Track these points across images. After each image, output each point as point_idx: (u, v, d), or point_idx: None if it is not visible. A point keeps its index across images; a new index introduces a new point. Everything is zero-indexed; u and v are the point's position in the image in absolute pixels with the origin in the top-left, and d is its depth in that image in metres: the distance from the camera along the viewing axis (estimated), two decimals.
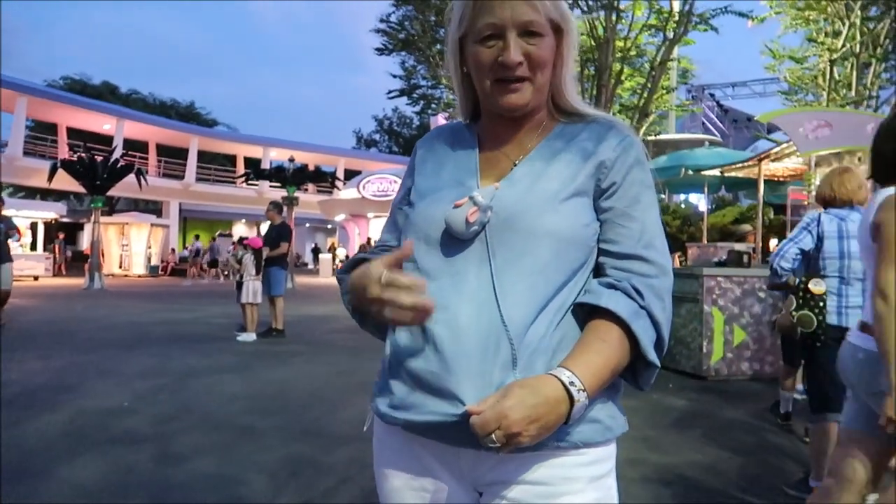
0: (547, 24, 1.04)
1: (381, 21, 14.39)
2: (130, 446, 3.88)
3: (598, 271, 1.10)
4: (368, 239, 26.32)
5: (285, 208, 11.63)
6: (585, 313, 1.05)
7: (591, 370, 0.97)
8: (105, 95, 37.92)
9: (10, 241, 9.21)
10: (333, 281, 25.80)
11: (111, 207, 33.32)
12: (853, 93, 12.52)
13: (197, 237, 28.93)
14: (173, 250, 31.02)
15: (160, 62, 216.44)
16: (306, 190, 33.37)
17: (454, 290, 1.03)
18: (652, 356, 1.02)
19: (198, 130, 36.99)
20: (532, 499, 1.02)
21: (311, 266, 37.19)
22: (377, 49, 14.73)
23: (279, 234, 8.85)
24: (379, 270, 0.96)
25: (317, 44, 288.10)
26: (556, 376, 0.94)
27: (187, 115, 44.06)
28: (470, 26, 1.06)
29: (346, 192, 30.16)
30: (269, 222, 9.27)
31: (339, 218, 31.90)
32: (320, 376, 6.30)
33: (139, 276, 25.90)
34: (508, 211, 1.04)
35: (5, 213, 9.48)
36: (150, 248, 27.49)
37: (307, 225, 41.27)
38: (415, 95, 16.02)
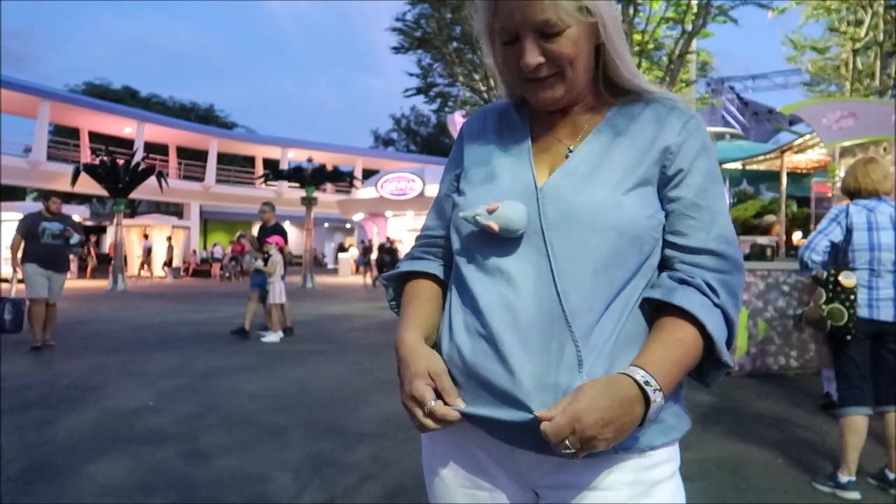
0: (568, 17, 0.95)
1: (397, 20, 14.41)
2: (156, 445, 3.93)
3: (664, 265, 1.04)
4: (388, 238, 26.34)
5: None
6: (653, 308, 1.00)
7: (665, 369, 0.92)
8: (125, 100, 38.36)
9: (71, 242, 7.83)
10: (352, 280, 25.95)
11: (133, 210, 33.75)
12: (877, 82, 12.30)
13: (216, 243, 29.24)
14: (194, 251, 31.32)
15: (179, 67, 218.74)
16: (325, 190, 33.52)
17: (512, 288, 0.97)
18: (726, 356, 0.97)
19: (217, 132, 37.28)
20: None
21: (330, 265, 37.35)
22: (393, 48, 14.75)
23: (272, 234, 8.72)
24: (431, 394, 0.96)
25: (333, 45, 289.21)
26: (629, 376, 0.89)
27: (206, 117, 44.46)
28: (490, 26, 1.02)
29: (364, 192, 30.24)
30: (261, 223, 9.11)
31: (358, 217, 32.00)
32: (341, 375, 6.33)
33: (161, 278, 26.20)
34: (567, 204, 0.98)
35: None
36: (171, 249, 27.79)
37: (326, 225, 41.49)
38: (431, 93, 16.03)
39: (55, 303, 7.70)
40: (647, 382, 0.89)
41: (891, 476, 3.27)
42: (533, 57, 0.97)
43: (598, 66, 1.04)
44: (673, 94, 1.08)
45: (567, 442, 0.85)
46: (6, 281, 8.25)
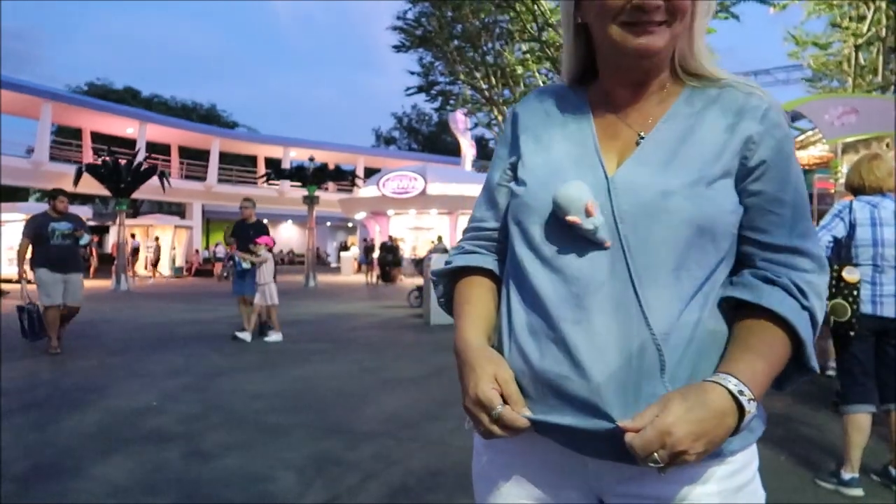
0: None
1: (398, 18, 14.41)
2: (160, 445, 3.94)
3: (741, 262, 0.98)
4: (390, 236, 26.35)
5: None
6: (731, 307, 0.94)
7: (758, 376, 0.85)
8: (127, 100, 38.43)
9: (81, 242, 7.48)
10: (355, 278, 25.96)
11: (135, 210, 33.80)
12: (879, 78, 12.28)
13: (218, 244, 29.26)
14: (197, 251, 31.37)
15: (181, 67, 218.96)
16: (326, 189, 33.52)
17: (583, 286, 0.90)
18: (813, 363, 0.91)
19: (219, 132, 37.33)
20: None
21: (333, 264, 37.38)
22: (395, 46, 14.76)
23: (257, 233, 8.40)
24: (498, 399, 0.90)
25: (334, 44, 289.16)
26: (721, 384, 0.83)
27: (208, 117, 44.50)
28: None
29: (366, 190, 30.26)
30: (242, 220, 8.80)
31: (360, 216, 32.03)
32: (344, 373, 6.34)
33: (164, 278, 26.23)
34: (643, 196, 0.90)
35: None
36: (174, 249, 27.84)
37: (328, 223, 41.51)
38: (433, 92, 16.04)
39: (78, 305, 7.41)
40: (741, 392, 0.82)
41: (894, 473, 3.27)
42: None
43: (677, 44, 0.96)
44: (749, 80, 0.99)
45: (655, 455, 0.78)
46: (7, 281, 8.14)
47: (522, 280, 0.98)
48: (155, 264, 25.72)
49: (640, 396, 0.86)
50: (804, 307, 0.91)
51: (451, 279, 1.13)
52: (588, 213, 0.90)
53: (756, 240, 0.95)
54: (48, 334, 7.10)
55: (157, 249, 25.95)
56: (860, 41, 12.28)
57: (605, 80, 1.01)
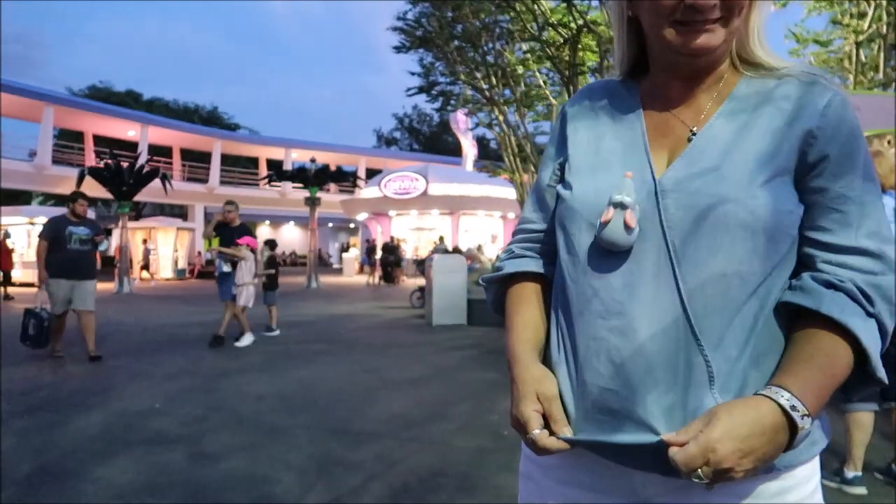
0: None
1: (399, 19, 14.40)
2: (163, 447, 3.94)
3: (802, 264, 0.91)
4: (392, 237, 26.37)
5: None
6: (791, 313, 0.87)
7: (813, 391, 0.79)
8: (129, 103, 38.49)
9: (100, 248, 7.24)
10: (357, 279, 25.97)
11: (138, 212, 33.85)
12: (881, 75, 12.23)
13: None
14: (199, 253, 31.41)
15: (182, 69, 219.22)
16: (328, 190, 33.57)
17: (628, 292, 0.87)
18: (881, 373, 0.83)
19: (220, 134, 37.37)
20: None
21: (335, 265, 37.40)
22: (395, 47, 14.74)
23: (240, 234, 8.21)
24: (537, 421, 0.88)
25: (335, 45, 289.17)
26: (772, 399, 0.77)
27: (210, 119, 44.61)
28: None
29: (367, 191, 30.30)
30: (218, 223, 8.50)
31: (362, 217, 32.05)
32: (346, 374, 6.34)
33: (167, 280, 26.26)
34: (692, 199, 0.85)
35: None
36: (176, 251, 27.86)
37: (330, 225, 41.53)
38: (434, 92, 16.01)
39: (91, 311, 7.05)
40: (793, 407, 0.77)
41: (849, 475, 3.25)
42: None
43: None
44: (815, 69, 0.93)
45: (699, 472, 0.74)
46: (17, 285, 7.95)
47: (566, 288, 0.96)
48: (146, 267, 25.45)
49: (687, 409, 0.82)
50: (870, 314, 0.84)
51: (501, 284, 1.11)
52: (627, 226, 0.86)
53: (818, 240, 0.89)
54: (52, 340, 6.93)
55: (147, 252, 25.73)
56: (861, 38, 12.23)
57: (657, 74, 0.97)
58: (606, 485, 0.93)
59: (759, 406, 0.77)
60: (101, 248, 7.27)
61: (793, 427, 0.77)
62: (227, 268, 8.15)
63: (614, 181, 0.91)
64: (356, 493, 3.22)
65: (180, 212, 36.70)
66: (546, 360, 0.98)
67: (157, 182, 19.67)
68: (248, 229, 8.48)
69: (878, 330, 0.85)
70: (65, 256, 6.85)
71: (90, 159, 28.24)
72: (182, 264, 28.43)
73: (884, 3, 11.73)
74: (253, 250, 8.23)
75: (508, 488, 3.24)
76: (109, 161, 19.13)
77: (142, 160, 21.17)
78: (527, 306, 1.04)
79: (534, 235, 1.09)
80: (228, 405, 5.03)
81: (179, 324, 10.52)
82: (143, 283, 23.06)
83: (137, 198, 21.05)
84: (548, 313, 1.03)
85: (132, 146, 30.40)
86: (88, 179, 18.22)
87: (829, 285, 0.85)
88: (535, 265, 1.07)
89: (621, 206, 0.86)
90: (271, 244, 10.08)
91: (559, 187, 1.01)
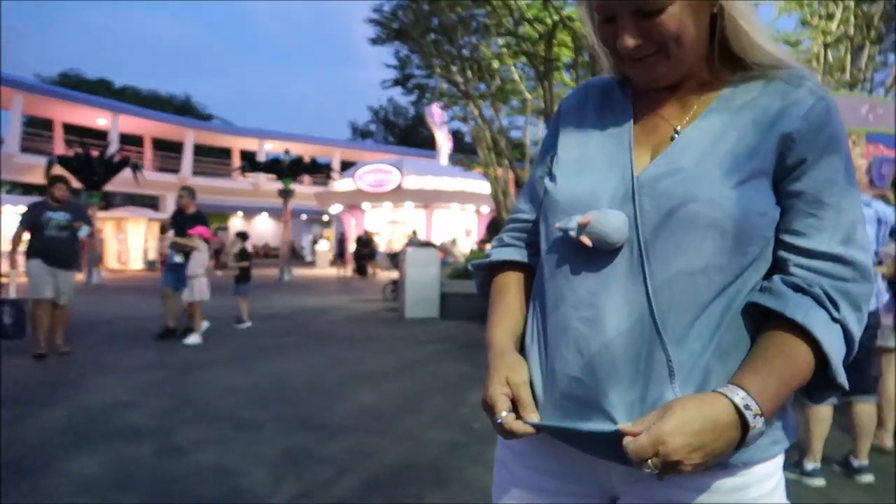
0: None
1: (375, 11, 14.30)
2: (131, 440, 3.91)
3: (776, 266, 0.92)
4: (365, 231, 26.27)
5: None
6: (761, 314, 0.88)
7: (769, 391, 0.80)
8: (100, 91, 37.76)
9: (80, 235, 6.83)
10: (330, 272, 25.84)
11: (108, 202, 33.27)
12: (847, 75, 12.50)
13: None
14: None
15: (155, 58, 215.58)
16: (302, 182, 33.26)
17: (601, 286, 0.89)
18: (841, 378, 0.85)
19: (193, 124, 36.88)
20: None
21: (308, 258, 37.17)
22: (371, 39, 14.65)
23: (194, 224, 7.85)
24: (504, 404, 0.90)
25: (310, 36, 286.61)
26: (727, 396, 0.79)
27: (183, 109, 43.98)
28: (588, 2, 0.93)
29: (341, 184, 30.10)
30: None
31: (335, 209, 31.86)
32: (318, 367, 6.33)
33: (137, 271, 25.87)
34: (666, 197, 0.87)
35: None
36: (147, 242, 27.45)
37: (303, 217, 41.21)
38: (409, 85, 15.94)
39: (65, 304, 6.74)
40: (746, 406, 0.78)
41: (855, 463, 3.37)
42: (629, 39, 0.88)
43: (715, 36, 0.92)
44: (804, 70, 0.93)
45: (650, 462, 0.76)
46: None
47: (544, 278, 0.99)
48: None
49: (646, 402, 0.84)
50: (835, 319, 0.85)
51: (489, 272, 1.14)
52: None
53: (792, 244, 0.89)
54: (34, 332, 6.48)
55: (101, 242, 25.00)
56: (829, 39, 12.49)
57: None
58: (573, 472, 0.96)
59: (713, 403, 0.78)
60: (82, 234, 6.87)
61: (745, 425, 0.78)
62: (178, 258, 7.81)
63: (598, 177, 0.94)
64: (327, 487, 3.23)
65: (151, 202, 36.14)
66: (522, 347, 1.01)
67: (127, 172, 19.36)
68: (203, 218, 8.09)
69: (844, 336, 0.86)
70: (44, 243, 6.52)
71: (60, 147, 27.65)
72: (153, 255, 28.01)
73: (851, 5, 11.97)
74: (206, 241, 7.87)
75: (479, 481, 3.28)
76: (79, 150, 18.77)
77: (112, 149, 20.83)
78: (508, 295, 1.08)
79: (523, 225, 1.12)
80: (198, 398, 4.99)
81: (149, 316, 10.37)
82: (114, 275, 22.68)
83: (108, 187, 20.66)
84: (529, 302, 1.06)
85: (103, 135, 29.82)
86: (57, 168, 17.86)
87: (798, 289, 0.87)
88: (520, 255, 1.10)
89: (566, 231, 0.91)
90: (243, 236, 9.94)
91: (546, 180, 1.04)
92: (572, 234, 0.91)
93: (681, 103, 0.96)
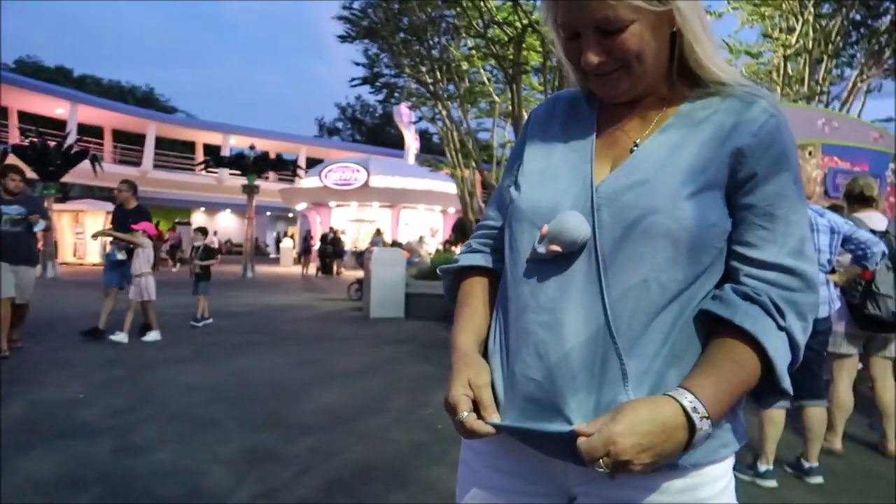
0: (630, 11, 0.87)
1: (345, 8, 14.21)
2: (86, 438, 3.82)
3: (728, 276, 0.96)
4: (331, 228, 26.09)
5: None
6: (711, 321, 0.92)
7: (717, 395, 0.84)
8: (59, 79, 36.81)
9: (35, 229, 6.48)
10: (294, 270, 25.60)
11: (65, 194, 32.42)
12: (805, 88, 12.85)
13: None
14: None
15: (117, 47, 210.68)
16: (267, 178, 32.87)
17: (560, 290, 0.93)
18: (786, 384, 0.89)
19: (156, 116, 36.20)
20: None
21: (272, 255, 36.76)
22: (340, 36, 14.55)
23: (136, 219, 7.48)
24: (465, 404, 0.92)
25: (278, 30, 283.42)
26: (676, 399, 0.82)
27: (145, 100, 43.13)
28: (554, 20, 0.96)
29: (307, 181, 29.85)
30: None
31: (301, 206, 31.58)
32: (281, 366, 6.27)
33: (94, 265, 25.26)
34: (621, 206, 0.91)
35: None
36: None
37: (268, 213, 40.76)
38: (378, 84, 15.89)
39: (26, 303, 6.49)
40: (694, 409, 0.81)
41: (806, 465, 3.47)
42: (592, 56, 0.91)
43: (675, 54, 0.95)
44: (758, 89, 0.97)
45: (601, 462, 0.79)
46: None
47: (507, 284, 1.02)
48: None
49: (601, 405, 0.87)
50: (780, 327, 0.89)
51: (456, 276, 1.17)
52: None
53: (743, 254, 0.93)
54: None
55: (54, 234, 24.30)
56: (789, 52, 12.83)
57: None
58: (532, 472, 0.99)
59: (662, 405, 0.82)
60: (37, 228, 6.53)
61: (693, 428, 0.81)
62: (121, 255, 7.46)
63: (560, 188, 0.98)
64: (289, 487, 3.21)
65: (110, 195, 35.34)
66: (486, 351, 1.04)
67: (86, 163, 18.89)
68: (145, 213, 7.73)
69: (789, 344, 0.90)
70: None
71: (14, 137, 26.81)
72: (110, 249, 27.39)
73: (811, 20, 12.32)
74: (151, 237, 7.57)
75: (442, 481, 3.29)
76: (35, 139, 18.25)
77: (70, 140, 20.27)
78: (474, 299, 1.11)
79: (491, 232, 1.15)
80: (157, 396, 4.90)
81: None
82: (70, 269, 22.11)
83: (65, 179, 20.14)
84: (493, 307, 1.09)
85: (61, 125, 29.04)
86: (12, 158, 17.33)
87: (747, 297, 0.90)
88: (487, 260, 1.14)
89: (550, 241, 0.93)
90: (203, 231, 9.66)
91: (511, 188, 1.07)
92: (541, 250, 0.94)
93: (641, 118, 1.00)
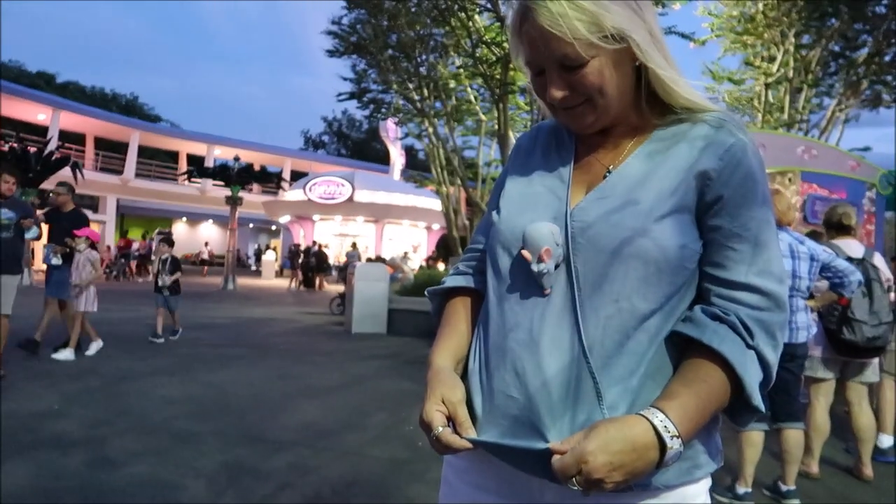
0: (589, 49, 0.91)
1: (333, 23, 14.30)
2: (61, 451, 3.76)
3: (700, 296, 0.98)
4: (314, 241, 25.99)
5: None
6: (683, 342, 0.94)
7: (687, 414, 0.85)
8: (41, 85, 36.49)
9: (27, 236, 6.03)
10: (276, 283, 25.45)
11: (43, 201, 32.02)
12: (785, 115, 13.11)
13: (134, 240, 28.15)
14: (109, 247, 30.00)
15: (101, 54, 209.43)
16: (251, 190, 32.83)
17: (537, 313, 0.95)
18: (756, 401, 0.90)
19: (139, 125, 35.92)
20: None
21: (253, 267, 36.50)
22: (328, 51, 14.61)
23: (74, 224, 7.00)
24: (440, 420, 0.93)
25: (264, 41, 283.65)
26: (647, 419, 0.84)
27: (129, 108, 42.87)
28: (523, 58, 1.00)
29: (291, 194, 29.78)
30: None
31: (284, 219, 31.46)
32: (261, 380, 6.22)
33: None
34: (594, 229, 0.94)
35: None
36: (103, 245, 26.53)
37: (251, 225, 40.52)
38: (365, 99, 15.94)
39: (7, 315, 5.77)
40: (665, 428, 0.83)
41: (783, 488, 3.50)
42: (556, 91, 0.96)
43: (642, 84, 0.99)
44: (726, 114, 1.00)
45: (574, 480, 0.81)
46: None
47: (488, 304, 1.05)
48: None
49: (575, 422, 0.89)
50: (749, 346, 0.91)
51: (443, 298, 1.20)
52: (540, 259, 0.94)
53: (712, 275, 0.96)
54: None
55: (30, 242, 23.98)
56: (770, 80, 13.09)
57: None
58: (509, 489, 1.00)
59: (634, 425, 0.83)
60: (29, 235, 5.98)
61: (663, 446, 0.83)
62: (56, 260, 6.92)
63: (538, 211, 1.01)
64: (267, 502, 3.17)
65: (91, 203, 34.94)
66: (467, 369, 1.06)
67: (66, 170, 18.70)
68: (83, 217, 7.23)
69: (760, 362, 0.92)
70: None
71: None
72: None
73: (791, 49, 12.59)
74: (94, 245, 7.08)
75: (422, 498, 3.27)
76: (15, 145, 18.05)
77: (52, 146, 20.06)
78: (456, 319, 1.13)
79: (478, 255, 1.18)
80: (134, 409, 4.84)
81: None
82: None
83: (45, 186, 19.90)
84: (475, 326, 1.11)
85: (42, 131, 28.75)
86: None
87: (716, 317, 0.93)
88: (470, 282, 1.16)
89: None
90: (169, 241, 8.84)
91: (493, 212, 1.10)
92: (534, 269, 0.96)
93: (614, 145, 1.03)
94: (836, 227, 4.13)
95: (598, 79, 0.93)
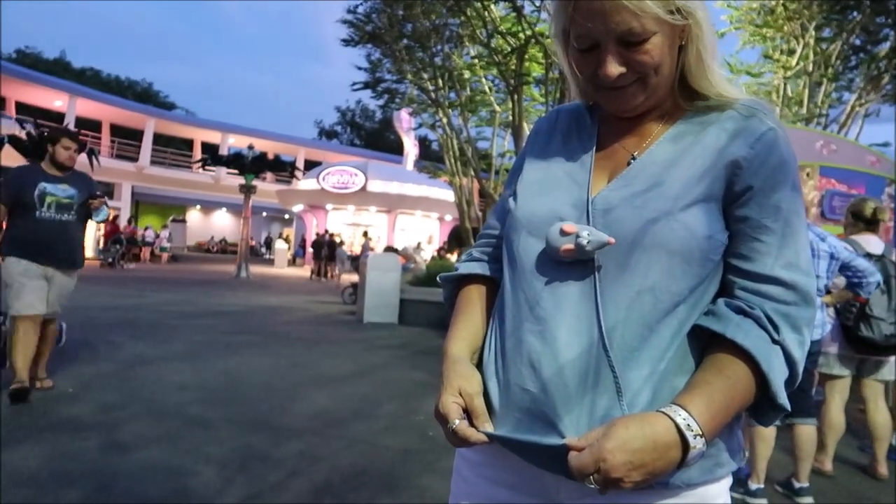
0: (655, 23, 0.87)
1: (349, 12, 14.25)
2: (75, 434, 3.79)
3: (724, 289, 0.95)
4: (326, 230, 26.06)
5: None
6: (706, 337, 0.90)
7: (711, 412, 0.81)
8: (58, 72, 36.75)
9: (96, 219, 4.95)
10: (289, 271, 25.56)
11: None
12: (804, 110, 12.94)
13: (148, 227, 28.38)
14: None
15: (117, 41, 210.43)
16: (264, 178, 32.90)
17: (554, 301, 0.91)
18: (782, 399, 0.86)
19: (154, 112, 36.11)
20: None
21: (266, 255, 36.69)
22: (343, 40, 14.58)
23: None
24: (456, 413, 0.91)
25: (281, 32, 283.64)
26: (669, 416, 0.80)
27: (144, 96, 43.13)
28: (566, 30, 0.94)
29: (305, 183, 29.84)
30: None
31: (297, 208, 31.54)
32: (273, 368, 6.25)
33: (88, 259, 25.15)
34: (616, 218, 0.90)
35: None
36: (99, 230, 26.72)
37: (264, 214, 40.73)
38: (379, 89, 15.91)
39: (55, 317, 4.82)
40: (688, 426, 0.79)
41: (796, 485, 3.47)
42: (614, 67, 0.90)
43: (678, 68, 0.95)
44: (757, 101, 0.96)
45: (591, 478, 0.78)
46: None
47: (504, 293, 1.01)
48: None
49: (594, 417, 0.86)
50: (775, 341, 0.87)
51: (456, 285, 1.17)
52: (578, 235, 0.90)
53: (738, 267, 0.92)
54: (11, 359, 4.46)
55: None
56: (789, 74, 12.92)
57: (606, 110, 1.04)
58: (523, 484, 0.97)
59: (655, 422, 0.79)
60: (99, 217, 4.93)
61: (686, 445, 0.79)
62: None
63: (558, 197, 0.98)
64: (277, 489, 3.19)
65: (106, 189, 35.26)
66: (481, 359, 1.03)
67: (83, 157, 18.77)
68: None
69: (785, 358, 0.88)
70: (31, 231, 4.45)
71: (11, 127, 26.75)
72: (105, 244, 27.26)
73: (811, 42, 12.41)
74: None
75: (432, 489, 3.27)
76: (32, 131, 18.16)
77: None
78: (470, 308, 1.10)
79: (493, 241, 1.15)
80: (147, 394, 4.87)
81: (99, 306, 10.09)
82: None
83: None
84: (491, 315, 1.08)
85: (59, 117, 28.96)
86: (8, 149, 17.25)
87: (740, 311, 0.89)
88: (485, 269, 1.13)
89: (577, 239, 0.90)
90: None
91: (510, 198, 1.07)
92: (576, 232, 0.90)
93: (640, 131, 0.99)
94: (865, 221, 3.99)
95: (658, 56, 0.89)
